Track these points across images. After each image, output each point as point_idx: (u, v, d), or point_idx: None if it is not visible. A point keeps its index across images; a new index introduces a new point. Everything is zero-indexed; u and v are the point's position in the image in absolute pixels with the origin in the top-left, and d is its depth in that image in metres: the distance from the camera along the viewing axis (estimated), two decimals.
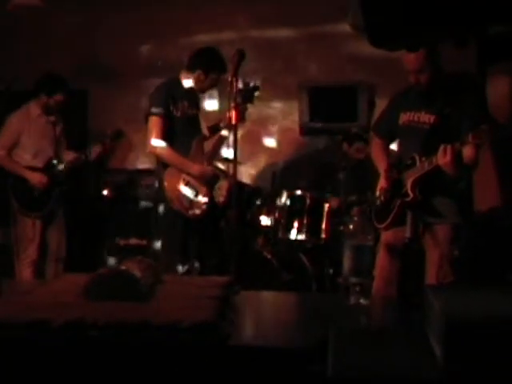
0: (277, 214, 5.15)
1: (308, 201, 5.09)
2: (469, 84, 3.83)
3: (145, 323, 2.01)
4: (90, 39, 6.34)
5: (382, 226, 3.78)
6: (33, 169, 5.21)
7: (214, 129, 4.94)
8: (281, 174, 6.19)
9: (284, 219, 5.10)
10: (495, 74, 4.98)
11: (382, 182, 3.91)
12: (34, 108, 5.29)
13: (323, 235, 5.07)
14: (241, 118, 4.51)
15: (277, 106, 6.42)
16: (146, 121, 4.60)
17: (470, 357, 1.54)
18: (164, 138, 4.54)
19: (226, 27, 6.30)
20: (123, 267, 2.46)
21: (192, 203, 4.59)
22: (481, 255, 4.31)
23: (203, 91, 4.83)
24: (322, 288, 4.89)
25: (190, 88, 4.72)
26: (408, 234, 3.53)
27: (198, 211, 4.58)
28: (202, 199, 4.60)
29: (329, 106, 6.15)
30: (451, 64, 3.70)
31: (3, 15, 5.86)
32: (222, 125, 4.87)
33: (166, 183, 4.59)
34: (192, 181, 4.60)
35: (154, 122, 4.54)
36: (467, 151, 3.42)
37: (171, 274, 4.23)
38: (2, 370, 1.99)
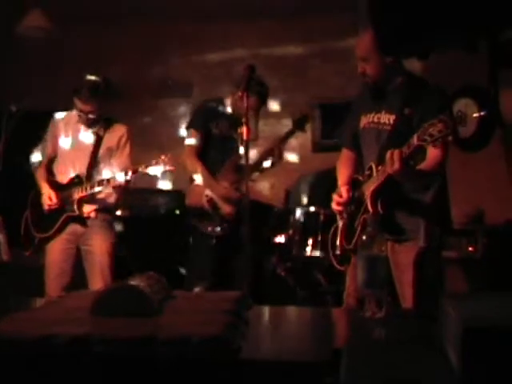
0: (291, 232, 5.11)
1: (322, 217, 5.03)
2: (434, 89, 3.35)
3: (152, 338, 1.96)
4: (101, 59, 6.36)
5: (350, 247, 3.43)
6: (56, 185, 4.57)
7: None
8: (294, 191, 6.15)
9: (298, 236, 5.05)
10: (508, 81, 4.90)
11: (335, 198, 3.56)
12: (74, 114, 4.60)
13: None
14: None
15: (289, 123, 6.37)
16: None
17: (488, 363, 1.48)
18: (199, 152, 4.60)
19: (236, 45, 6.30)
20: (131, 282, 2.41)
21: (213, 221, 4.57)
22: (496, 264, 4.22)
23: (242, 113, 4.69)
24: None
25: (232, 112, 4.73)
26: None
27: (218, 229, 4.56)
28: (224, 217, 4.57)
29: (341, 123, 6.12)
30: (461, 71, 3.60)
31: (13, 38, 5.91)
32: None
33: (188, 199, 4.62)
34: (215, 198, 4.57)
35: (192, 135, 4.68)
36: (430, 153, 3.11)
37: (190, 290, 4.22)
38: None
